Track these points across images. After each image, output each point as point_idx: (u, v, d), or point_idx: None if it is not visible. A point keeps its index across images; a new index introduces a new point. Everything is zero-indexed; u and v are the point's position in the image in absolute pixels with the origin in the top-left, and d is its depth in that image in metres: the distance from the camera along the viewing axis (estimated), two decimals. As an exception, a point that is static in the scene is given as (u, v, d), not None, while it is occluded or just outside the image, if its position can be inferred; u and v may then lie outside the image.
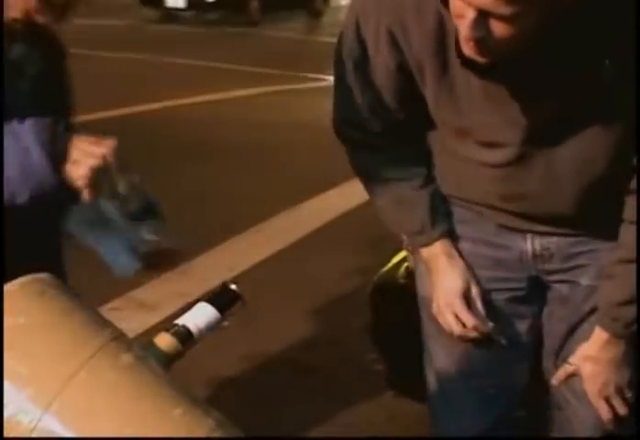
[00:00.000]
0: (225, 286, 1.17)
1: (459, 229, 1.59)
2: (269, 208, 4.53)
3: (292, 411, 2.68)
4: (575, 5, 1.21)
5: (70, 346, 0.98)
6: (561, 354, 1.62)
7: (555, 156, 1.42)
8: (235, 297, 1.16)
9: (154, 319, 3.19)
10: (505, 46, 1.23)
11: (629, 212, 1.44)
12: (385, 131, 1.52)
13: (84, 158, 1.29)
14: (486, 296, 1.58)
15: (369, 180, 1.60)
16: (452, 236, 1.57)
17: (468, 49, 1.26)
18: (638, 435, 1.91)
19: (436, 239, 1.55)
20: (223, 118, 7.05)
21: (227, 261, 3.97)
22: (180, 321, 1.11)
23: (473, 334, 1.54)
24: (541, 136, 1.40)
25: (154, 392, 0.98)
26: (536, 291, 1.63)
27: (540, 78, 1.33)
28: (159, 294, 3.49)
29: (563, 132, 1.39)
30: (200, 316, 1.12)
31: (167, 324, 1.13)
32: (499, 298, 1.61)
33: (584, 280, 1.58)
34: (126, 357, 0.99)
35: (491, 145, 1.44)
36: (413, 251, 1.67)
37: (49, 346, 0.98)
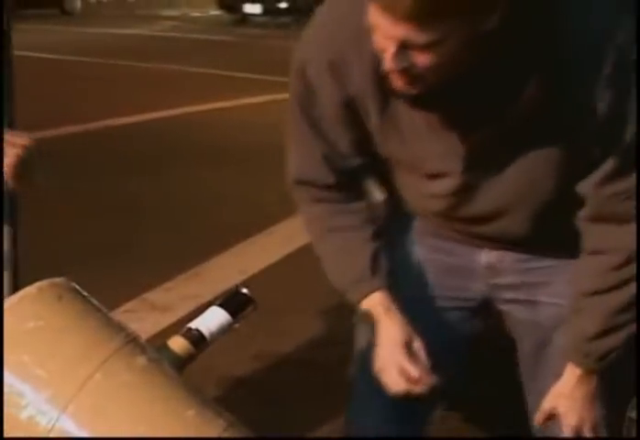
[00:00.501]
0: (237, 290, 1.20)
1: (417, 236, 1.58)
2: (280, 211, 4.56)
3: (302, 410, 2.71)
4: (498, 29, 1.17)
5: (86, 349, 1.01)
6: (535, 373, 1.60)
7: (499, 181, 1.40)
8: (246, 301, 1.19)
9: (167, 321, 3.22)
10: (431, 75, 1.21)
11: (589, 241, 1.41)
12: (341, 183, 1.50)
13: (8, 148, 1.36)
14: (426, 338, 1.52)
15: (319, 229, 1.55)
16: (390, 293, 1.52)
17: (396, 82, 1.24)
18: (638, 435, 1.92)
19: (376, 290, 1.51)
20: (237, 123, 7.09)
21: (239, 264, 4.00)
22: (193, 324, 1.13)
23: (418, 388, 1.47)
24: (483, 162, 1.39)
25: (168, 394, 1.01)
26: (485, 312, 1.62)
27: (475, 104, 1.32)
28: (171, 296, 3.52)
29: (504, 157, 1.38)
30: (212, 320, 1.14)
31: (179, 326, 1.16)
32: (447, 305, 1.60)
33: (544, 298, 1.55)
34: (141, 360, 1.02)
35: (436, 176, 1.43)
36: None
37: (67, 349, 1.00)
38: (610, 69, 1.27)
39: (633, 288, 1.41)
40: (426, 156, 1.41)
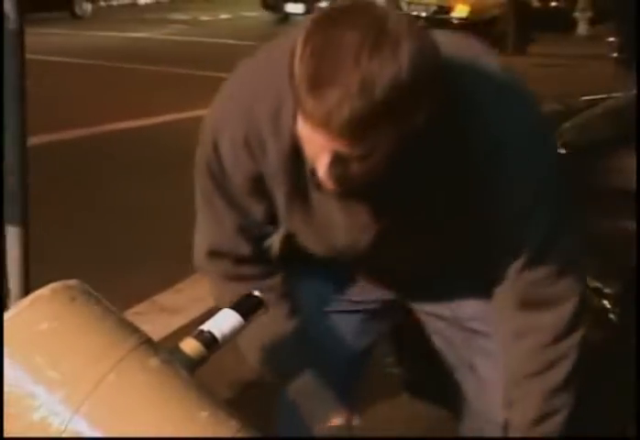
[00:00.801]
0: (248, 293, 1.20)
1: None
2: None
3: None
4: (421, 129, 1.17)
5: (99, 351, 1.01)
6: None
7: (403, 257, 1.44)
8: (258, 303, 1.19)
9: (177, 323, 3.22)
10: (362, 177, 1.20)
11: (512, 325, 1.40)
12: (256, 255, 1.46)
13: None
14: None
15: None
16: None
17: (330, 188, 1.23)
18: (638, 436, 1.92)
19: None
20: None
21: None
22: (205, 327, 1.13)
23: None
24: (389, 244, 1.40)
25: (181, 395, 1.01)
26: (391, 310, 1.64)
27: (390, 195, 1.32)
28: (181, 298, 3.52)
29: (412, 239, 1.40)
30: (224, 322, 1.14)
31: (190, 328, 1.16)
32: (351, 308, 1.60)
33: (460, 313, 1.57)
34: (154, 361, 1.02)
35: (341, 249, 1.43)
36: None
37: (80, 351, 1.01)
38: (514, 171, 1.28)
39: (567, 366, 1.39)
40: (333, 235, 1.40)
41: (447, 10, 14.09)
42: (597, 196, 2.42)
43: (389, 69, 1.07)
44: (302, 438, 1.55)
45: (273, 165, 1.33)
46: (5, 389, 0.99)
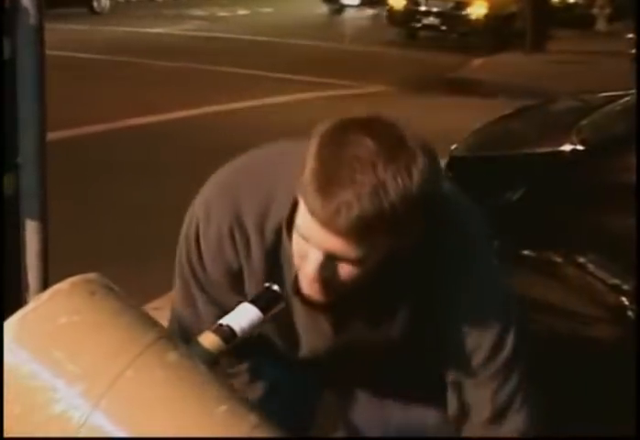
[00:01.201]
0: (267, 287, 1.20)
1: None
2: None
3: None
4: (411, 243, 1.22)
5: (118, 345, 1.02)
6: None
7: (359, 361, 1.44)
8: (276, 297, 1.19)
9: (194, 318, 3.24)
10: (347, 286, 1.22)
11: (481, 413, 1.37)
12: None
13: None
14: None
15: None
16: None
17: (311, 290, 1.24)
18: (638, 436, 1.91)
19: None
20: (259, 125, 7.10)
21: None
22: (223, 321, 1.14)
23: None
24: (348, 353, 1.40)
25: (199, 390, 1.02)
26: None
27: (360, 308, 1.34)
28: (198, 294, 3.54)
29: (371, 349, 1.40)
30: (243, 316, 1.15)
31: (208, 323, 1.16)
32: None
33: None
34: (173, 356, 1.02)
35: (302, 355, 1.43)
36: None
37: (99, 345, 1.01)
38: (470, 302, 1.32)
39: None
40: (297, 338, 1.40)
41: (465, 6, 14.02)
42: (614, 193, 2.41)
43: (402, 181, 1.12)
44: (317, 438, 1.55)
45: (255, 262, 1.34)
46: (25, 382, 0.99)
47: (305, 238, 1.18)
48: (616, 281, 2.30)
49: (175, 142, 6.30)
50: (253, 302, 1.17)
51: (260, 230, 1.30)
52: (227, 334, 1.12)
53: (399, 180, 1.12)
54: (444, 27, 13.98)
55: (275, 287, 1.20)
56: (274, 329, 1.40)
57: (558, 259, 2.37)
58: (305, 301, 1.30)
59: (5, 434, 1.00)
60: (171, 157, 5.85)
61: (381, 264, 1.22)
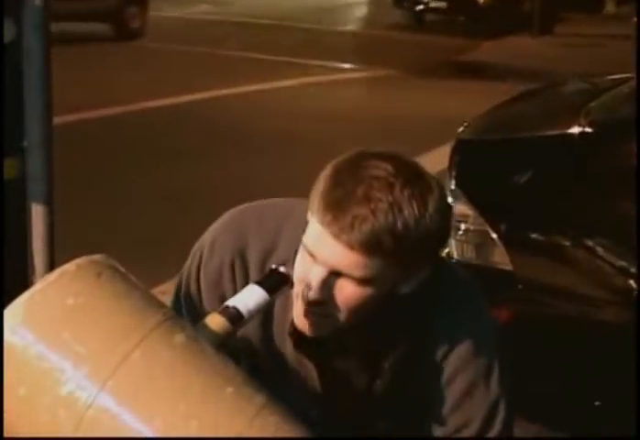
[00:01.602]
0: (274, 269, 1.20)
1: None
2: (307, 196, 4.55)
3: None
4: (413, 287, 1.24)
5: (125, 326, 1.01)
6: None
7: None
8: (283, 279, 1.19)
9: (201, 302, 3.24)
10: (339, 319, 1.21)
11: None
12: None
13: None
14: None
15: None
16: None
17: (302, 322, 1.23)
18: (638, 435, 1.91)
19: None
20: (267, 109, 7.08)
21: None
22: (230, 302, 1.13)
23: None
24: (335, 401, 1.36)
25: (207, 371, 1.01)
26: None
27: (347, 357, 1.32)
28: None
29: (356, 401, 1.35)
30: (249, 298, 1.14)
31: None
32: None
33: None
34: (180, 337, 1.02)
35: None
36: None
37: (106, 326, 1.01)
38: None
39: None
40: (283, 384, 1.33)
41: (473, -11, 13.93)
42: (623, 176, 2.39)
43: (417, 206, 1.15)
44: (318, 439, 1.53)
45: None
46: (33, 363, 0.99)
47: (312, 254, 1.17)
48: (625, 264, 2.29)
49: (185, 126, 6.29)
50: (259, 283, 1.16)
51: (262, 265, 1.31)
52: (234, 315, 1.12)
53: (414, 204, 1.15)
54: (450, 10, 13.89)
55: (282, 268, 1.19)
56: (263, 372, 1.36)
57: (567, 243, 2.35)
58: (295, 341, 1.28)
59: (7, 416, 1.00)
60: (182, 141, 5.84)
61: (379, 301, 1.21)
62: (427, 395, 1.32)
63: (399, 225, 1.14)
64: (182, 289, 1.40)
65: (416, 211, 1.15)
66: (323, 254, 1.17)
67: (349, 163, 1.19)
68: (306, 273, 1.19)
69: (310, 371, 1.32)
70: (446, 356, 1.30)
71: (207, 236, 1.37)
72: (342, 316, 1.21)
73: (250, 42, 11.01)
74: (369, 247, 1.14)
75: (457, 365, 1.30)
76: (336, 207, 1.14)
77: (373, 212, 1.13)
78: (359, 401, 1.35)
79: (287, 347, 1.31)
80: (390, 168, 1.16)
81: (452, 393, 1.31)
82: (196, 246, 1.39)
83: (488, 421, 1.32)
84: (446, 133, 3.15)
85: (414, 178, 1.17)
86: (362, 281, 1.17)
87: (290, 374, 1.33)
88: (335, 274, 1.17)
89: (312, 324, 1.23)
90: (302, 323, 1.24)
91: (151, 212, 4.39)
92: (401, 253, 1.16)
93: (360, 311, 1.21)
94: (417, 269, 1.22)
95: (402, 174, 1.16)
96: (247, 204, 1.40)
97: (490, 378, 1.32)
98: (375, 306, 1.22)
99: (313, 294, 1.18)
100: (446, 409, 1.31)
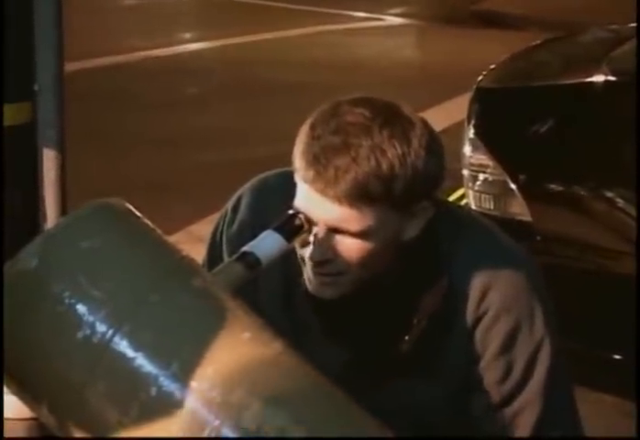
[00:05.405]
0: (291, 214, 1.17)
1: None
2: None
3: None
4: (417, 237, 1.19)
5: (141, 270, 0.99)
6: None
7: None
8: (300, 225, 1.16)
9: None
10: (348, 275, 1.18)
11: None
12: None
13: None
14: None
15: None
16: None
17: (315, 286, 1.20)
18: (638, 435, 1.90)
19: None
20: (279, 57, 6.99)
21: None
22: (247, 248, 1.11)
23: None
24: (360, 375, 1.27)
25: (223, 316, 0.99)
26: None
27: (370, 321, 1.25)
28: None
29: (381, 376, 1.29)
30: (267, 244, 1.12)
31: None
32: None
33: None
34: (196, 282, 1.00)
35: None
36: None
37: (122, 270, 0.99)
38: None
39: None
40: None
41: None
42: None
43: (399, 144, 1.12)
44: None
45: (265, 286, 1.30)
46: (49, 306, 0.97)
47: (306, 215, 1.15)
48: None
49: (196, 75, 6.23)
50: (277, 229, 1.14)
51: None
52: (251, 261, 1.09)
53: (395, 143, 1.11)
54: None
55: (299, 214, 1.17)
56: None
57: (586, 194, 2.32)
58: (314, 306, 1.26)
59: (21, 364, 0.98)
60: (193, 90, 5.80)
61: (389, 249, 1.18)
62: (462, 348, 1.26)
63: (384, 167, 1.11)
64: (209, 241, 1.42)
65: (399, 150, 1.11)
66: (315, 213, 1.15)
67: (323, 115, 1.16)
68: (306, 237, 1.17)
69: (332, 334, 1.29)
70: (484, 294, 1.23)
71: (234, 196, 1.38)
72: (353, 272, 1.19)
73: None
74: (358, 197, 1.11)
75: (497, 306, 1.23)
76: (316, 162, 1.12)
77: (354, 159, 1.10)
78: (384, 360, 1.29)
79: (305, 312, 1.29)
80: (365, 112, 1.13)
81: (492, 342, 1.24)
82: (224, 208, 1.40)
83: (530, 364, 1.25)
84: (467, 81, 3.10)
85: (392, 118, 1.14)
86: (361, 234, 1.15)
87: (310, 338, 1.29)
88: (333, 230, 1.15)
89: (323, 285, 1.21)
90: (314, 286, 1.22)
91: (162, 160, 4.36)
92: (392, 196, 1.13)
93: (370, 263, 1.18)
94: (417, 210, 1.18)
95: (378, 116, 1.13)
96: (277, 169, 1.39)
97: (534, 318, 1.26)
98: (386, 256, 1.20)
99: (317, 254, 1.17)
100: (485, 360, 1.25)
